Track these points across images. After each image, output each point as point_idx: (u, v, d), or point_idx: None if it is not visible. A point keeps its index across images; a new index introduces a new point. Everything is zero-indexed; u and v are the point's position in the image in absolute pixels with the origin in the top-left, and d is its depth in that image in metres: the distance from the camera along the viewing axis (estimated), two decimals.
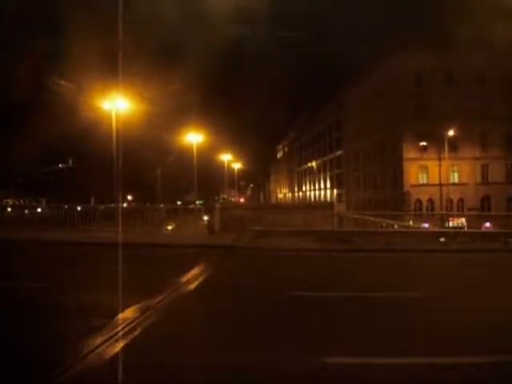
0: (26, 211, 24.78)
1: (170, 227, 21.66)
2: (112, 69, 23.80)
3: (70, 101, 32.12)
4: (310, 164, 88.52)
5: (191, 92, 40.43)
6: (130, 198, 53.17)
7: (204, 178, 54.12)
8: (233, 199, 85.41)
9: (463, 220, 29.67)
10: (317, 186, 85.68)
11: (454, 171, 48.75)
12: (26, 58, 34.83)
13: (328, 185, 79.90)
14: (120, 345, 5.73)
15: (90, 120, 29.51)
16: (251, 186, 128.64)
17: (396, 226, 20.80)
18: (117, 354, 5.37)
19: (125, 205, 37.36)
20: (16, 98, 32.19)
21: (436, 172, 43.94)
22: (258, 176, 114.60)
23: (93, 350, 5.40)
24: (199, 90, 40.76)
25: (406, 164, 48.87)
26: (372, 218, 21.89)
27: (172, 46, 36.41)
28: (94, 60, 27.00)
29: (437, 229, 22.35)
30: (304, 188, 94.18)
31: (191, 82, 39.17)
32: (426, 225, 24.32)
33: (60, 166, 54.98)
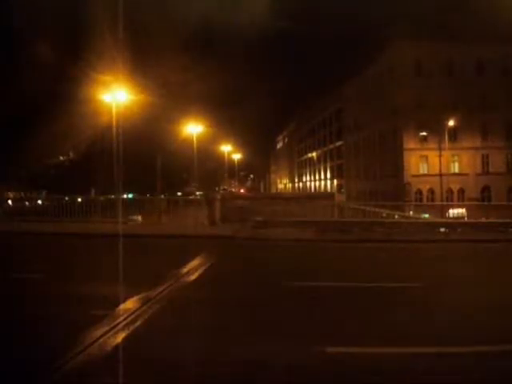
0: (27, 203, 24.81)
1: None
2: (113, 59, 23.76)
3: (71, 92, 32.06)
4: (310, 154, 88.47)
5: (192, 83, 40.27)
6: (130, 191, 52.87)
7: (204, 168, 54.12)
8: (233, 190, 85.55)
9: (463, 210, 29.60)
10: (317, 177, 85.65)
11: (454, 161, 48.68)
12: (26, 50, 34.67)
13: (328, 175, 79.86)
14: (121, 336, 5.75)
15: (91, 112, 29.44)
16: (251, 176, 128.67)
17: (396, 216, 20.79)
18: (118, 346, 5.38)
19: (125, 196, 37.32)
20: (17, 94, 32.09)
21: (436, 162, 43.84)
22: (258, 167, 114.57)
23: (94, 342, 5.42)
24: (200, 81, 40.52)
25: (406, 154, 48.75)
26: (372, 209, 21.87)
27: (173, 38, 36.24)
28: (95, 51, 26.86)
29: (437, 219, 22.31)
30: (304, 178, 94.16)
31: (192, 73, 39.03)
32: (427, 215, 24.27)
33: (61, 158, 54.80)
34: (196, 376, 4.61)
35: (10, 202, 27.05)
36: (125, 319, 6.34)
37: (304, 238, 16.25)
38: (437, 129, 43.64)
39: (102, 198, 22.90)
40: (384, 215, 20.88)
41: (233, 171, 79.08)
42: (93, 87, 26.71)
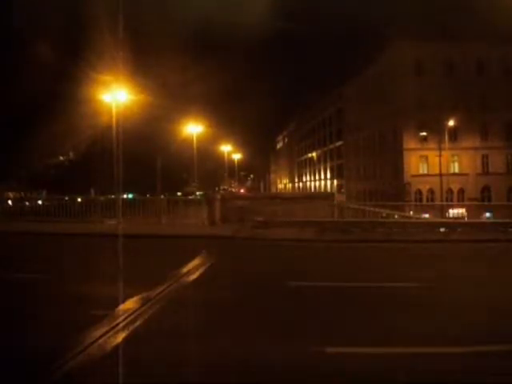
0: (27, 203, 24.80)
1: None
2: (113, 59, 23.73)
3: (71, 92, 32.06)
4: (310, 154, 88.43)
5: (192, 83, 40.25)
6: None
7: (204, 168, 54.08)
8: (233, 190, 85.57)
9: (463, 210, 29.60)
10: (317, 177, 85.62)
11: (454, 161, 48.66)
12: (26, 51, 34.69)
13: (328, 175, 79.83)
14: (121, 336, 5.74)
15: (91, 112, 29.45)
16: (251, 176, 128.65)
17: (396, 217, 20.79)
18: (117, 346, 5.38)
19: (125, 196, 37.29)
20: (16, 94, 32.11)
21: (436, 162, 43.84)
22: (258, 167, 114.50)
23: (94, 342, 5.41)
24: (200, 81, 40.49)
25: (406, 154, 48.74)
26: (372, 209, 21.86)
27: (173, 38, 36.25)
28: (95, 51, 26.84)
29: (437, 219, 22.32)
30: (304, 178, 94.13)
31: (192, 73, 39.01)
32: (427, 215, 24.30)
33: (61, 158, 54.76)
34: (196, 376, 4.61)
35: (9, 201, 27.03)
36: (125, 319, 6.33)
37: (304, 238, 16.25)
38: (437, 129, 43.64)
39: (101, 198, 22.91)
40: (384, 215, 20.88)
41: (233, 171, 79.03)
42: (93, 87, 26.67)
